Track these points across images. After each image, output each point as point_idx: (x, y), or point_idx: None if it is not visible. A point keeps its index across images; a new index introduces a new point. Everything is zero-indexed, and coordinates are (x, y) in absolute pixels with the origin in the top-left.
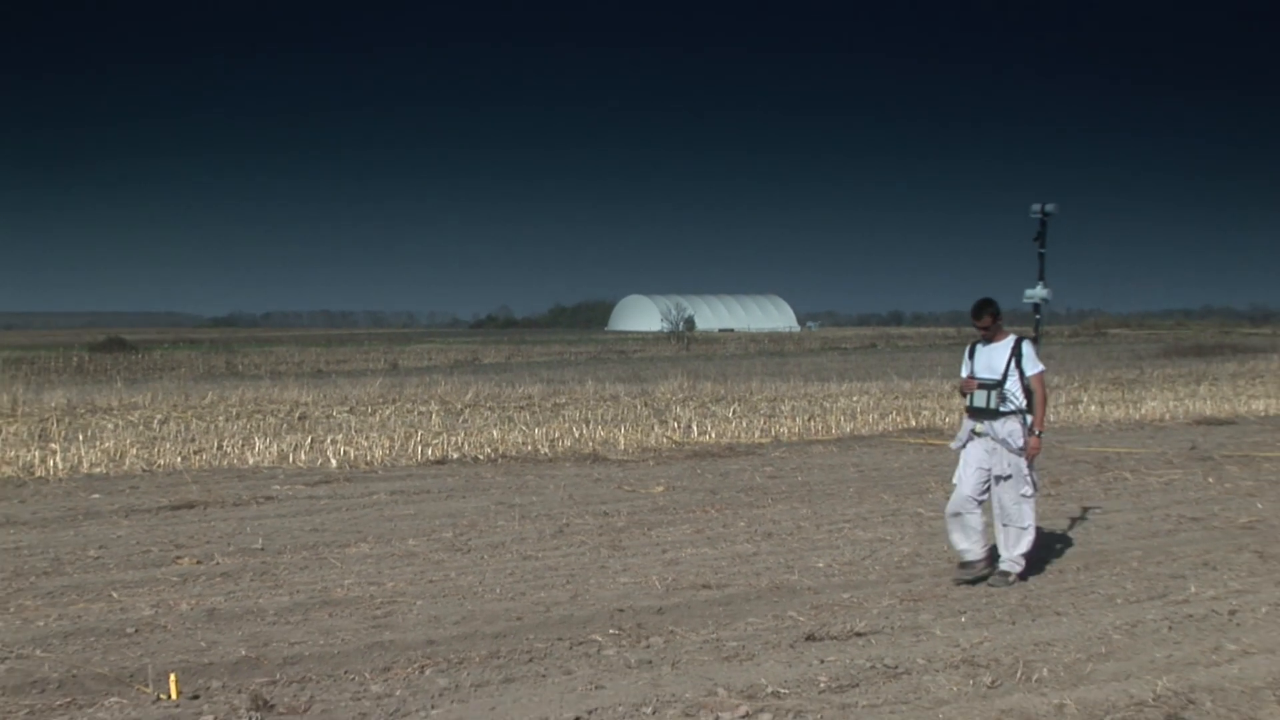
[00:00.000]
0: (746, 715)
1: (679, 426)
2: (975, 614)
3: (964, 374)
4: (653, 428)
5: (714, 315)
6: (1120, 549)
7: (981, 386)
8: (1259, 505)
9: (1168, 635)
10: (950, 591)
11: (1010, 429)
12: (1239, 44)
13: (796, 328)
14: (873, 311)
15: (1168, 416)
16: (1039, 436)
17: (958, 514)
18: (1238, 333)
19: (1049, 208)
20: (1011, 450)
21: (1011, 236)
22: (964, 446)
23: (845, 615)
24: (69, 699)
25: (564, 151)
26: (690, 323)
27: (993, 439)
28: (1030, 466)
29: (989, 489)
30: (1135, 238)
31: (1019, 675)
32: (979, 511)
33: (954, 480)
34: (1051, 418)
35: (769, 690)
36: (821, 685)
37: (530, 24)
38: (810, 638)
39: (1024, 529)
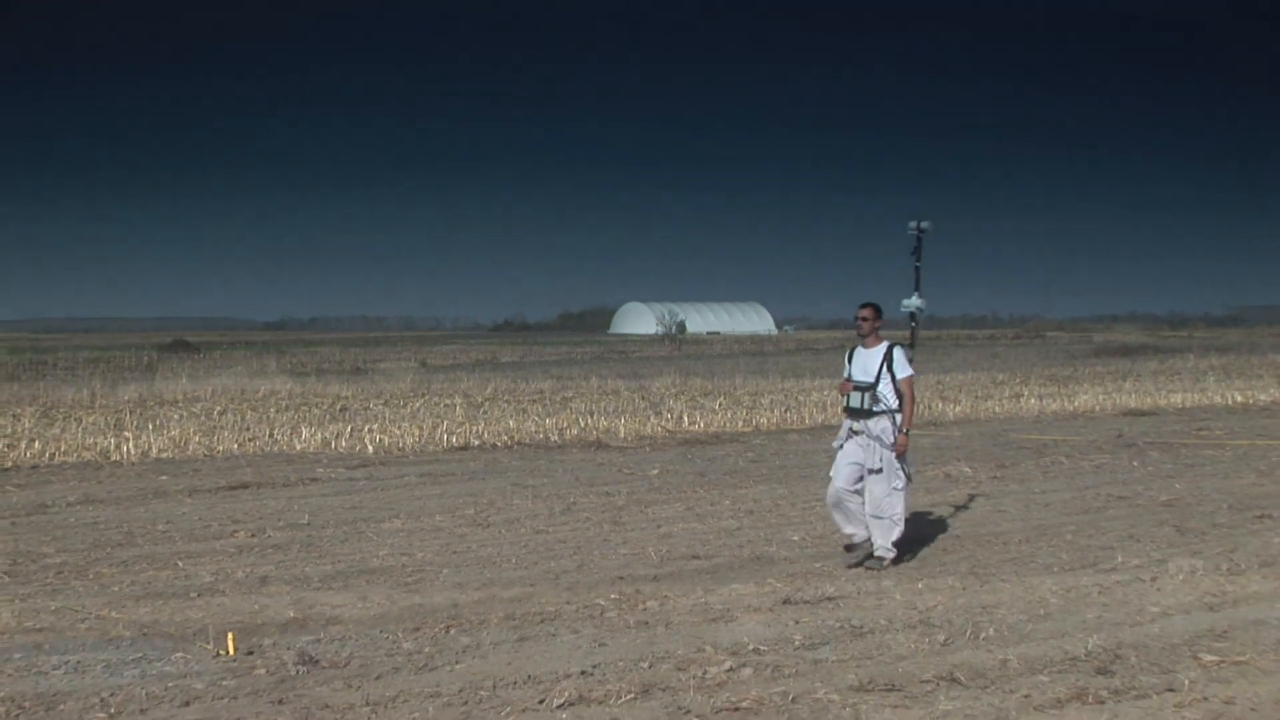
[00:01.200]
0: (730, 669)
1: (672, 417)
2: (930, 580)
3: (844, 377)
4: (648, 418)
5: (702, 320)
6: (1057, 524)
7: (857, 388)
8: (1177, 485)
9: (1098, 599)
10: (909, 560)
11: (882, 427)
12: (1156, 50)
13: (775, 331)
14: (841, 316)
15: (1097, 408)
16: (906, 434)
17: (837, 503)
18: (1158, 335)
19: (924, 224)
20: (884, 446)
21: (966, 245)
22: (842, 445)
23: (817, 582)
24: (140, 654)
25: (571, 173)
26: (682, 327)
27: (868, 436)
28: (903, 461)
29: (863, 481)
30: (1070, 248)
31: (968, 634)
32: (858, 499)
33: (831, 474)
34: (997, 409)
35: (750, 647)
36: (796, 643)
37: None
38: (786, 601)
39: (895, 520)
